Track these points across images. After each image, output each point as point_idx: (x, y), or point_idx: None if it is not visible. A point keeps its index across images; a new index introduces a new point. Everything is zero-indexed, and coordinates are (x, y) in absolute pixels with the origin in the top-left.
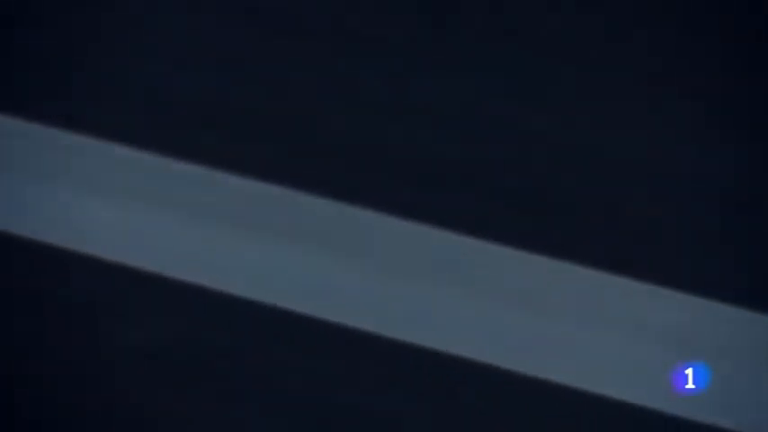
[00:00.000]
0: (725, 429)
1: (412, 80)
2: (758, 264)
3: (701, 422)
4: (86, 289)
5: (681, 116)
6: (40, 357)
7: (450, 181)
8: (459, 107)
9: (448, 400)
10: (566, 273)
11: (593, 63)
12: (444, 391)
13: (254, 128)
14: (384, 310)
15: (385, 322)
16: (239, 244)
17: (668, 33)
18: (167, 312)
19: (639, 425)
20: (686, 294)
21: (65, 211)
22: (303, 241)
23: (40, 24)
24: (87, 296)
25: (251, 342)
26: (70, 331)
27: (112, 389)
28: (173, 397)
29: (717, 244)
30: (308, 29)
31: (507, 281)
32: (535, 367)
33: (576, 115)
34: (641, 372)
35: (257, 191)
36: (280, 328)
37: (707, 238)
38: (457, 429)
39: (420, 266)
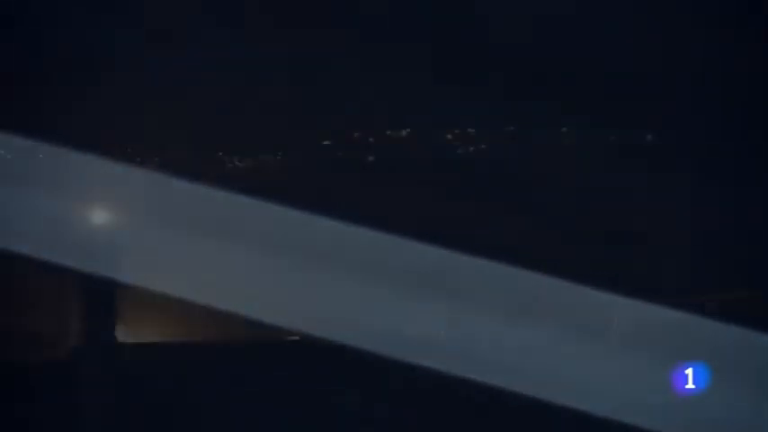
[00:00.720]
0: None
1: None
2: (757, 268)
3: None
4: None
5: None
6: (39, 357)
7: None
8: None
9: (445, 411)
10: (564, 281)
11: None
12: (441, 403)
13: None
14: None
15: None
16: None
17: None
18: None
19: (638, 427)
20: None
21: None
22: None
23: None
24: (88, 298)
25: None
26: (69, 332)
27: (111, 388)
28: (172, 397)
29: (716, 249)
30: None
31: (506, 294)
32: (534, 371)
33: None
34: (641, 373)
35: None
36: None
37: (704, 246)
38: None
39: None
